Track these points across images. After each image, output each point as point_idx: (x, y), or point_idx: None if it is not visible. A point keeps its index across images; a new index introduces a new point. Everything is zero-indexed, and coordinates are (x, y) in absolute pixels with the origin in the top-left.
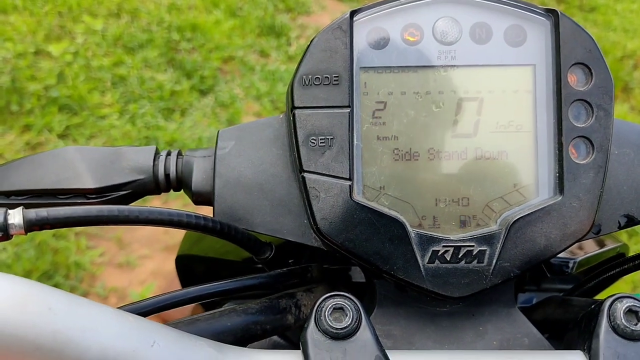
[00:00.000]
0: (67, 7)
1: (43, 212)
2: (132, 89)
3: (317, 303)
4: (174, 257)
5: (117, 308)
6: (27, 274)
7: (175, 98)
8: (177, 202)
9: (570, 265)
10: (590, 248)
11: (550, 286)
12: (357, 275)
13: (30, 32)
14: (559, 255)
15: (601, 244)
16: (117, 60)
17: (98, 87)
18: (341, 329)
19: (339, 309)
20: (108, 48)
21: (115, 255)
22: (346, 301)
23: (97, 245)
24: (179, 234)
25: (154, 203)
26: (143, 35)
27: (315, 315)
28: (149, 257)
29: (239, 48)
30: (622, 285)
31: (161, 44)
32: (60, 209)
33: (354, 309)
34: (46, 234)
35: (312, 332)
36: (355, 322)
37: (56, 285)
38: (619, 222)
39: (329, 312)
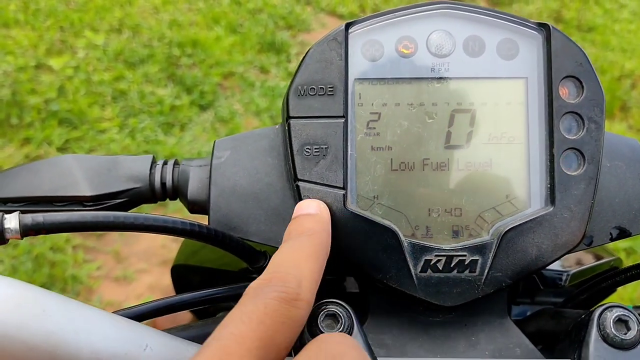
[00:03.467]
0: (68, 22)
1: (39, 217)
2: (132, 104)
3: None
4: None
5: (111, 312)
6: None
7: (175, 113)
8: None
9: (564, 278)
10: (584, 261)
11: (544, 299)
12: (351, 285)
13: (31, 46)
14: (553, 268)
15: (595, 258)
16: (118, 75)
17: (98, 101)
18: None
19: (332, 315)
20: (109, 63)
21: (112, 268)
22: (339, 308)
23: (95, 259)
24: (176, 248)
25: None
26: (144, 51)
27: (307, 321)
28: (146, 271)
29: (239, 64)
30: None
31: (162, 59)
32: (57, 214)
33: (346, 316)
34: (43, 246)
35: (304, 339)
36: (348, 329)
37: None
38: (610, 234)
39: (322, 318)
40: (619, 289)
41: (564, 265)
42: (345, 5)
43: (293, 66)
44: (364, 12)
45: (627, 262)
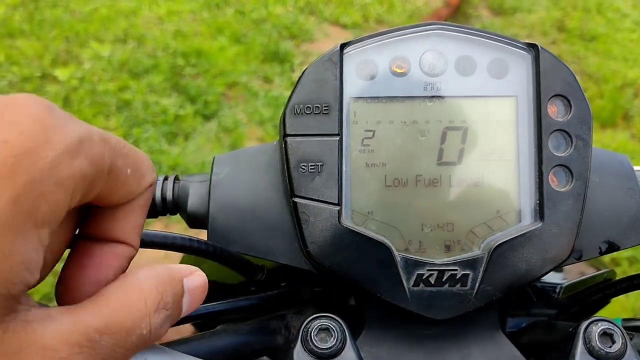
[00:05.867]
0: (74, 33)
1: None
2: (136, 114)
3: (304, 324)
4: None
5: None
6: None
7: (179, 123)
8: (178, 227)
9: (557, 290)
10: (587, 272)
11: (539, 311)
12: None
13: (37, 56)
14: (546, 280)
15: (596, 269)
16: (123, 85)
17: (103, 111)
18: (326, 349)
19: (325, 329)
20: (114, 73)
21: None
22: (331, 322)
23: None
24: (179, 259)
25: (155, 226)
26: (148, 61)
27: (301, 335)
28: None
29: (243, 74)
30: (623, 313)
31: (166, 69)
32: None
33: (338, 330)
34: None
35: (298, 352)
36: (340, 342)
37: None
38: (600, 248)
39: (315, 332)
40: (622, 299)
41: (566, 277)
42: (349, 15)
43: (296, 76)
44: (367, 22)
45: (630, 271)
